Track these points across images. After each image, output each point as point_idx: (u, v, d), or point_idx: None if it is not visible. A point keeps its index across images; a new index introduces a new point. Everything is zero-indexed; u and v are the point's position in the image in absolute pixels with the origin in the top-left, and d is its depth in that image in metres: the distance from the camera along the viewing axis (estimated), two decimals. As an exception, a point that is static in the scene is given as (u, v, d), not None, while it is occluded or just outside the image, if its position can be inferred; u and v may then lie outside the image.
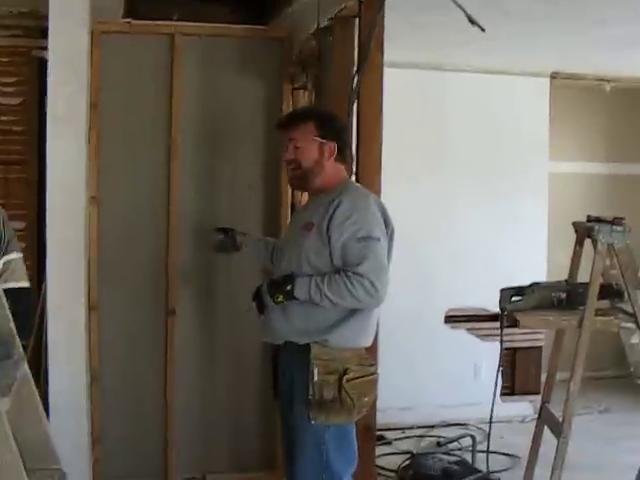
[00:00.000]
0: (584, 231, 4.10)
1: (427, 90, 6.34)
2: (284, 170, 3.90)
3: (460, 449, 5.70)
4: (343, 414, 3.21)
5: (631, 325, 4.00)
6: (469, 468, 5.13)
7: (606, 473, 5.17)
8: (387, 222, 3.29)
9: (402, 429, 6.15)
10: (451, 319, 6.39)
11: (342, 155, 3.39)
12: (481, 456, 5.17)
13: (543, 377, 5.70)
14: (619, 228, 3.91)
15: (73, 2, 4.10)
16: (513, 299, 4.01)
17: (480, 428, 5.96)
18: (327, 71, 4.22)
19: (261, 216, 4.70)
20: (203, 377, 4.72)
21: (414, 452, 5.62)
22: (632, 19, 4.51)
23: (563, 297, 4.01)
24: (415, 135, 6.26)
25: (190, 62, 4.57)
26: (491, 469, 4.66)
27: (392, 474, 5.24)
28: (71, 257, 4.20)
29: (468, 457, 5.39)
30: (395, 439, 5.97)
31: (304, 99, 4.70)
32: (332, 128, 3.38)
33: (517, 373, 6.73)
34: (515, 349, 6.57)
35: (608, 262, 3.98)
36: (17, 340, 2.46)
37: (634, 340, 4.06)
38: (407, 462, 5.30)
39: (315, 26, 4.12)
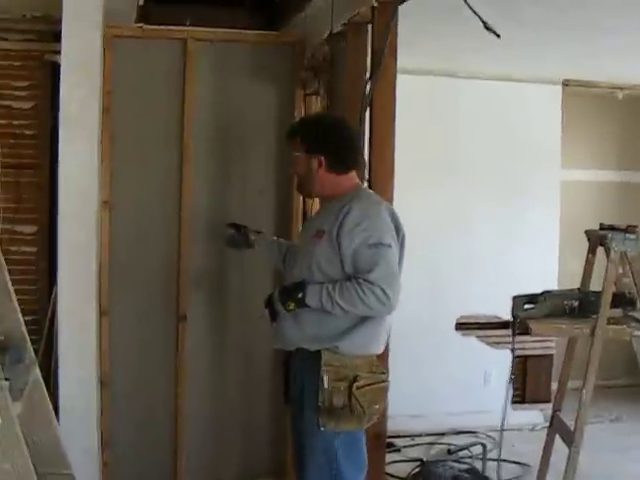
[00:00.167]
0: (597, 239, 4.09)
1: (440, 97, 6.33)
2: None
3: (470, 457, 5.67)
4: (353, 421, 3.20)
5: (644, 334, 3.98)
6: (480, 476, 5.12)
7: (617, 482, 5.16)
8: (398, 228, 3.27)
9: (412, 436, 6.13)
10: (462, 326, 6.36)
11: (339, 165, 3.35)
12: (491, 464, 5.16)
13: (553, 385, 5.71)
14: (632, 236, 3.91)
15: (86, 6, 4.10)
16: (525, 307, 4.00)
17: (490, 436, 5.94)
18: (339, 77, 4.21)
19: (272, 221, 4.69)
20: (214, 383, 4.71)
21: (424, 459, 5.60)
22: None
23: (575, 305, 4.00)
24: (428, 142, 6.25)
25: (202, 67, 4.57)
26: (502, 477, 4.64)
27: (402, 482, 5.23)
28: (82, 261, 4.19)
29: (478, 465, 5.36)
30: (405, 446, 5.95)
31: (316, 105, 4.69)
32: (317, 142, 3.36)
33: (528, 381, 6.70)
34: (526, 357, 6.54)
35: (621, 270, 3.97)
36: (29, 344, 2.46)
37: (646, 349, 4.05)
38: (417, 470, 5.29)
39: (328, 32, 4.12)
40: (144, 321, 4.58)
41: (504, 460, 4.75)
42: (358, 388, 3.16)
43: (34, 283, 5.08)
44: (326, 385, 3.15)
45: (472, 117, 6.44)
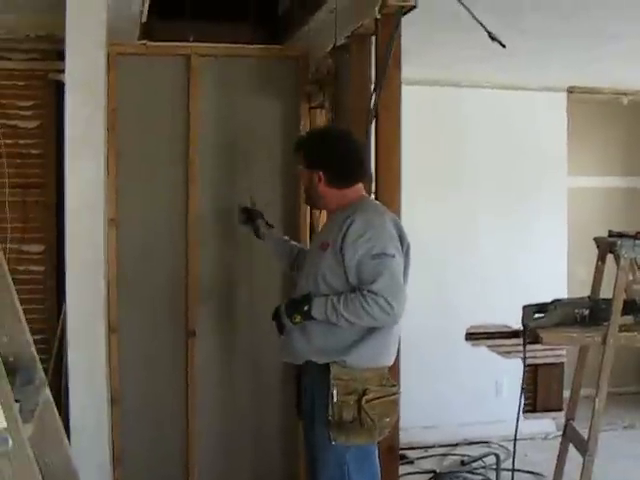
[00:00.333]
0: (606, 246, 4.08)
1: (445, 107, 6.34)
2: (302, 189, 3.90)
3: (484, 467, 5.65)
4: (364, 435, 3.19)
5: (655, 341, 3.96)
6: (494, 487, 5.10)
7: (632, 490, 5.13)
8: (402, 238, 3.26)
9: (424, 448, 6.11)
10: (472, 336, 6.36)
11: (339, 180, 3.37)
12: (505, 474, 5.13)
13: (565, 394, 5.68)
14: (642, 243, 3.89)
15: (89, 25, 4.10)
16: (536, 316, 3.99)
17: (503, 446, 5.92)
18: (344, 89, 4.21)
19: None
20: (224, 397, 4.69)
21: (437, 471, 5.58)
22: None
23: (586, 313, 3.98)
24: (434, 152, 6.25)
25: (206, 83, 4.57)
26: (516, 488, 4.63)
27: (415, 494, 5.21)
28: (90, 279, 4.18)
29: (492, 476, 5.34)
30: (417, 458, 5.92)
31: (321, 118, 4.69)
32: (318, 158, 3.39)
33: (539, 390, 6.68)
34: (537, 366, 6.52)
35: (631, 277, 3.95)
36: (38, 364, 2.45)
37: (658, 356, 4.03)
38: (431, 482, 5.28)
39: (332, 45, 4.12)
40: (153, 337, 4.58)
41: (518, 470, 4.71)
42: (367, 402, 3.15)
43: (42, 302, 5.07)
44: (335, 399, 3.14)
45: (477, 126, 6.44)
